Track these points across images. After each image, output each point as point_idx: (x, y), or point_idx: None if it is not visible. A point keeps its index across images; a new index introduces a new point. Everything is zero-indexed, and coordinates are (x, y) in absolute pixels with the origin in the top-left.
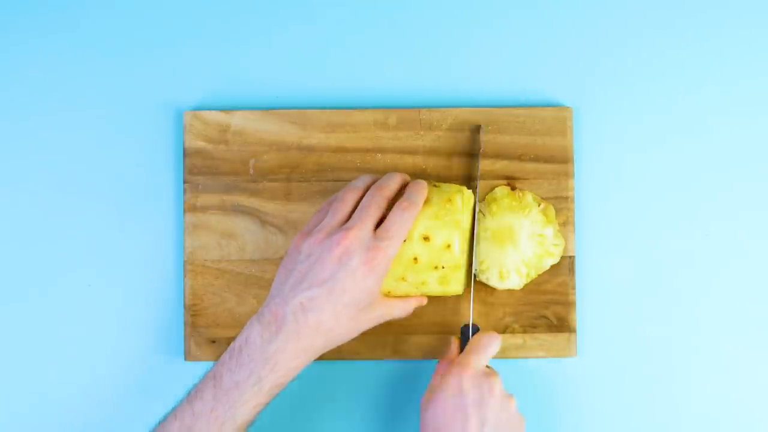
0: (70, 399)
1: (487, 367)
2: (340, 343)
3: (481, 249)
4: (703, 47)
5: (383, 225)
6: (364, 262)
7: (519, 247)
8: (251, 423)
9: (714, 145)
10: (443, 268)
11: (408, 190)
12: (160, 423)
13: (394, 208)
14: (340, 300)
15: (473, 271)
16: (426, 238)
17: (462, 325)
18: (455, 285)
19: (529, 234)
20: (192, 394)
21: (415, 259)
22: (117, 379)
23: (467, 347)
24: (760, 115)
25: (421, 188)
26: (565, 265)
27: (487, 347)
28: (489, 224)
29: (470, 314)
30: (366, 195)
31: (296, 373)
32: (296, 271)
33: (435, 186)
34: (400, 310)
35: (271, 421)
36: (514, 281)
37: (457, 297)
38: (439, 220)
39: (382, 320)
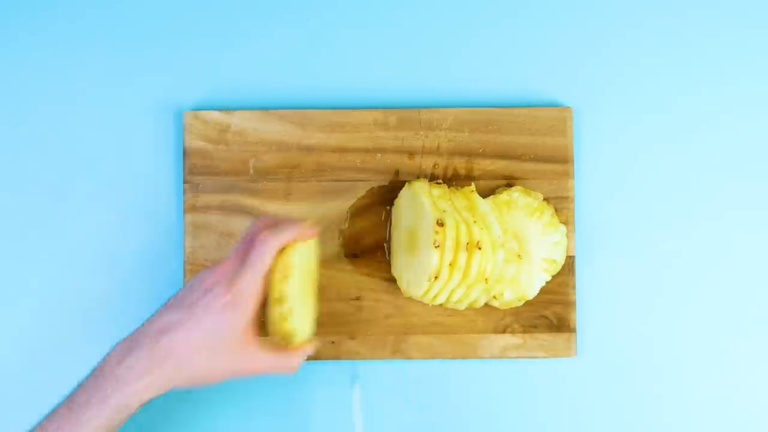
0: None
1: None
2: (201, 382)
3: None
4: (703, 47)
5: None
6: (224, 291)
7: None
8: None
9: (714, 145)
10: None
11: (282, 223)
12: None
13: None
14: (198, 327)
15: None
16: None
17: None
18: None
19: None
20: (49, 414)
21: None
22: None
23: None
24: (761, 115)
25: (292, 224)
26: (565, 265)
27: None
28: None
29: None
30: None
31: (145, 397)
32: (171, 298)
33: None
34: (273, 362)
35: (270, 421)
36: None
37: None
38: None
39: (254, 370)
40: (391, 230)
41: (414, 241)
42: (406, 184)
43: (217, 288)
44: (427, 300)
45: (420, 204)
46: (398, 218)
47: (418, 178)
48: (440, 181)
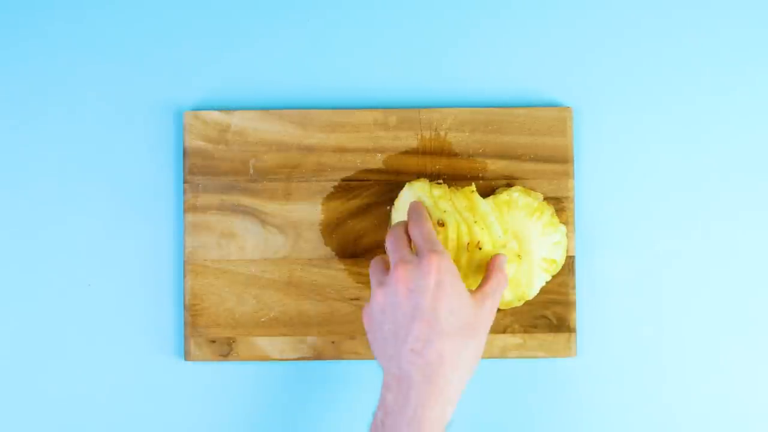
0: (70, 399)
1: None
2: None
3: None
4: (704, 47)
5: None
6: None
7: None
8: None
9: (714, 145)
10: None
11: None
12: None
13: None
14: (444, 323)
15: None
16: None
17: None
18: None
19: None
20: None
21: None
22: (117, 379)
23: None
24: (761, 115)
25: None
26: (565, 265)
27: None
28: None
29: None
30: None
31: (446, 422)
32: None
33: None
34: (495, 283)
35: (270, 421)
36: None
37: None
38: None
39: (495, 308)
40: None
41: None
42: (407, 184)
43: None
44: None
45: None
46: (398, 218)
47: (418, 178)
48: (441, 181)
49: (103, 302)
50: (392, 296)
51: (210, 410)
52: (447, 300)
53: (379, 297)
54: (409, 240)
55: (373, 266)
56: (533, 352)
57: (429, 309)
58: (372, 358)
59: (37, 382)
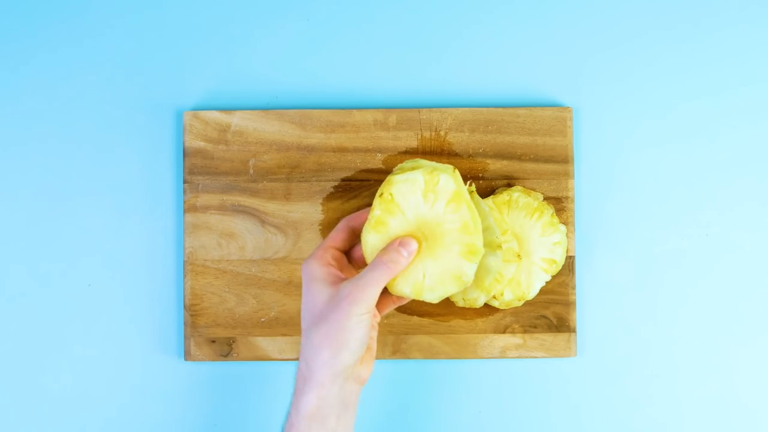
0: (70, 399)
1: None
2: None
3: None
4: (703, 47)
5: None
6: None
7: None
8: None
9: (714, 145)
10: None
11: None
12: None
13: None
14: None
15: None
16: None
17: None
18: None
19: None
20: None
21: None
22: (116, 379)
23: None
24: (761, 115)
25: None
26: (565, 265)
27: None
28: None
29: None
30: None
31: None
32: None
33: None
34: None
35: (270, 421)
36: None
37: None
38: None
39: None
40: None
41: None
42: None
43: None
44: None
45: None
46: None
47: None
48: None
49: (103, 302)
50: None
51: (210, 410)
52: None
53: None
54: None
55: None
56: (533, 352)
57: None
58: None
59: (38, 381)
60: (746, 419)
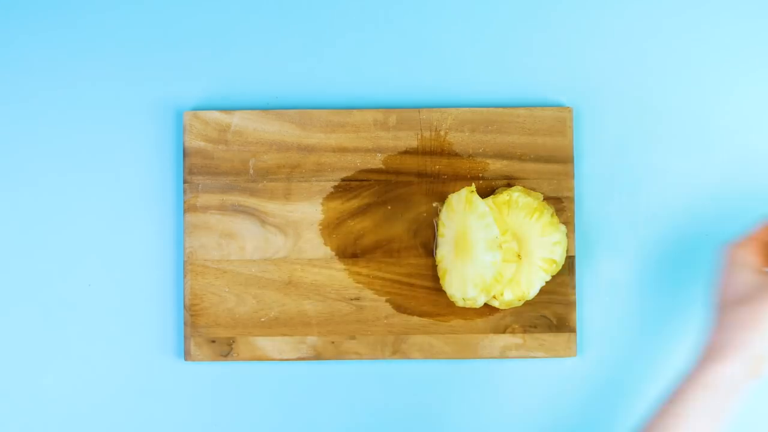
0: (70, 399)
1: None
2: None
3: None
4: (703, 47)
5: None
6: None
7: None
8: None
9: (714, 145)
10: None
11: None
12: None
13: None
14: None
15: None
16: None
17: None
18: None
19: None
20: None
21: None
22: (117, 379)
23: None
24: (760, 115)
25: None
26: (565, 265)
27: None
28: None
29: None
30: None
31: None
32: None
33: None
34: None
35: (270, 421)
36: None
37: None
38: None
39: None
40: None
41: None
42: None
43: None
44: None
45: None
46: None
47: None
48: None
49: (103, 302)
50: None
51: (210, 410)
52: None
53: None
54: None
55: None
56: (533, 352)
57: None
58: (372, 358)
59: (37, 381)
60: (746, 419)
